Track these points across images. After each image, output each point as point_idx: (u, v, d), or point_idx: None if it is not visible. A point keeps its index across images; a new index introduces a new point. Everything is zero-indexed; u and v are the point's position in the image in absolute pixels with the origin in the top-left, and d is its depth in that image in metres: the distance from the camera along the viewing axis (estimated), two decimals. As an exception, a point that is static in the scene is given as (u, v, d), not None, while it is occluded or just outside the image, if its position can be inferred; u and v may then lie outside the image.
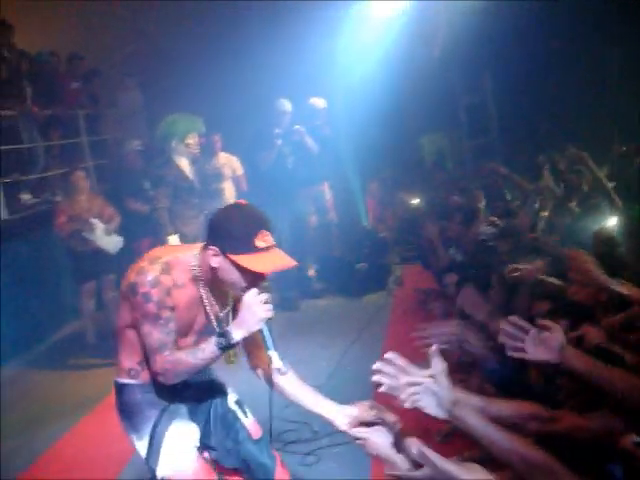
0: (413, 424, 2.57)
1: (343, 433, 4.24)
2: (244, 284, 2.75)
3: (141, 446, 2.92)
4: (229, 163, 8.40)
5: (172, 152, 7.05)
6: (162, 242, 6.55)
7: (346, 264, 8.22)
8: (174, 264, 2.80)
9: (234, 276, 2.75)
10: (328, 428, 4.43)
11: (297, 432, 4.55)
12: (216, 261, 2.74)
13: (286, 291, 7.66)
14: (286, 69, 9.18)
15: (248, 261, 2.68)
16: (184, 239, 6.68)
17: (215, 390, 3.20)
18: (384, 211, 10.04)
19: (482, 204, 6.97)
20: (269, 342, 2.78)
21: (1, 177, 7.73)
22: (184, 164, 7.12)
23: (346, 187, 9.56)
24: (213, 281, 2.85)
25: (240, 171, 8.41)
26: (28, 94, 8.55)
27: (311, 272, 8.07)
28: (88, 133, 9.74)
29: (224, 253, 2.71)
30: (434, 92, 10.41)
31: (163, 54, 10.95)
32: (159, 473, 2.88)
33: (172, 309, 2.76)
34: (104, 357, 6.33)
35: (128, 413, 2.97)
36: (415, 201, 9.09)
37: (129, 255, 8.07)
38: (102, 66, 10.38)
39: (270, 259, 2.72)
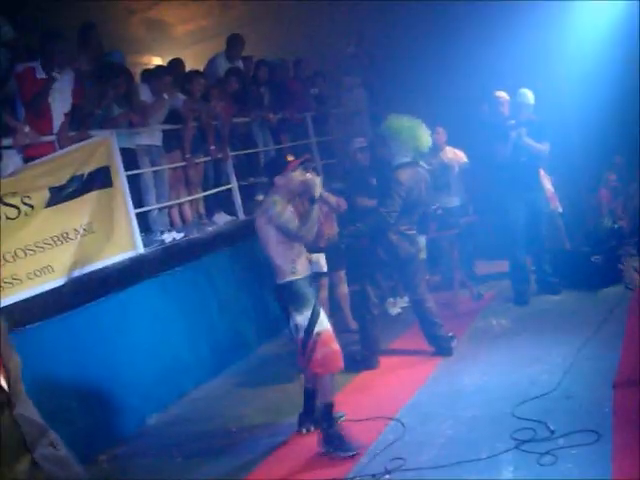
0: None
1: (581, 433, 4.11)
2: None
3: (302, 318, 4.74)
4: (456, 157, 8.36)
5: None
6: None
7: (580, 256, 7.81)
8: None
9: None
10: (565, 428, 4.30)
11: (532, 431, 4.38)
12: None
13: (519, 284, 7.50)
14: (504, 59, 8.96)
15: None
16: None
17: None
18: (617, 201, 9.48)
19: None
20: None
21: (238, 180, 8.24)
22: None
23: (576, 177, 9.15)
24: None
25: (463, 160, 8.38)
26: (265, 101, 9.08)
27: (546, 266, 7.74)
28: (315, 134, 10.09)
29: None
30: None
31: (382, 53, 11.17)
32: (317, 330, 4.73)
33: None
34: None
35: (296, 300, 4.78)
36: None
37: (359, 252, 8.30)
38: (325, 68, 10.75)
39: None
